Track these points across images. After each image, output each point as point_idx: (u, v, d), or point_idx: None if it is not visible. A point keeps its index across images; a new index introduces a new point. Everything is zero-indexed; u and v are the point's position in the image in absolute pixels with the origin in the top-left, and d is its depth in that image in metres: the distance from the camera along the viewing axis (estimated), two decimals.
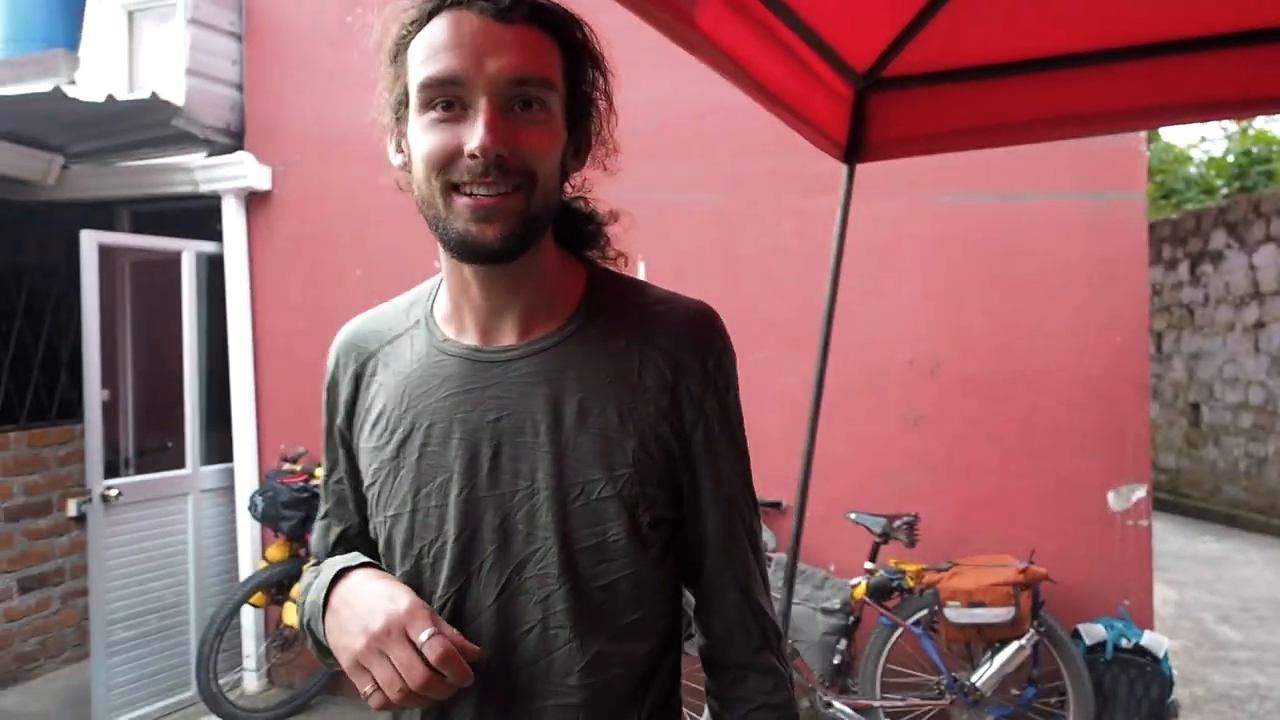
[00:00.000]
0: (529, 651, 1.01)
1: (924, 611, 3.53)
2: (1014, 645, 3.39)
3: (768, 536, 3.83)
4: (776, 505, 3.95)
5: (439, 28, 0.95)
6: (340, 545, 1.18)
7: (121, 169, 4.99)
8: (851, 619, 3.59)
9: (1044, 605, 3.44)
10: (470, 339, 1.05)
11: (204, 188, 4.80)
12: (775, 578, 3.63)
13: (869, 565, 3.63)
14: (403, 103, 0.99)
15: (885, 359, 3.93)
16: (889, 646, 3.58)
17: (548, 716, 1.02)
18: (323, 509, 1.20)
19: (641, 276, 4.37)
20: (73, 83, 4.48)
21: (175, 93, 4.51)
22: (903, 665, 3.64)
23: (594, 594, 1.02)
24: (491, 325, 1.05)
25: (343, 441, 1.14)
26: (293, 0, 4.86)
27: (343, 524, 1.18)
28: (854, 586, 3.60)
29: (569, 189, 1.09)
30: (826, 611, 3.59)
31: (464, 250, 0.96)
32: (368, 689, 0.94)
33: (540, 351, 1.03)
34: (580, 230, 1.13)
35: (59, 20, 5.97)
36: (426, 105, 0.95)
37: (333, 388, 1.14)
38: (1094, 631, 3.53)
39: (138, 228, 5.44)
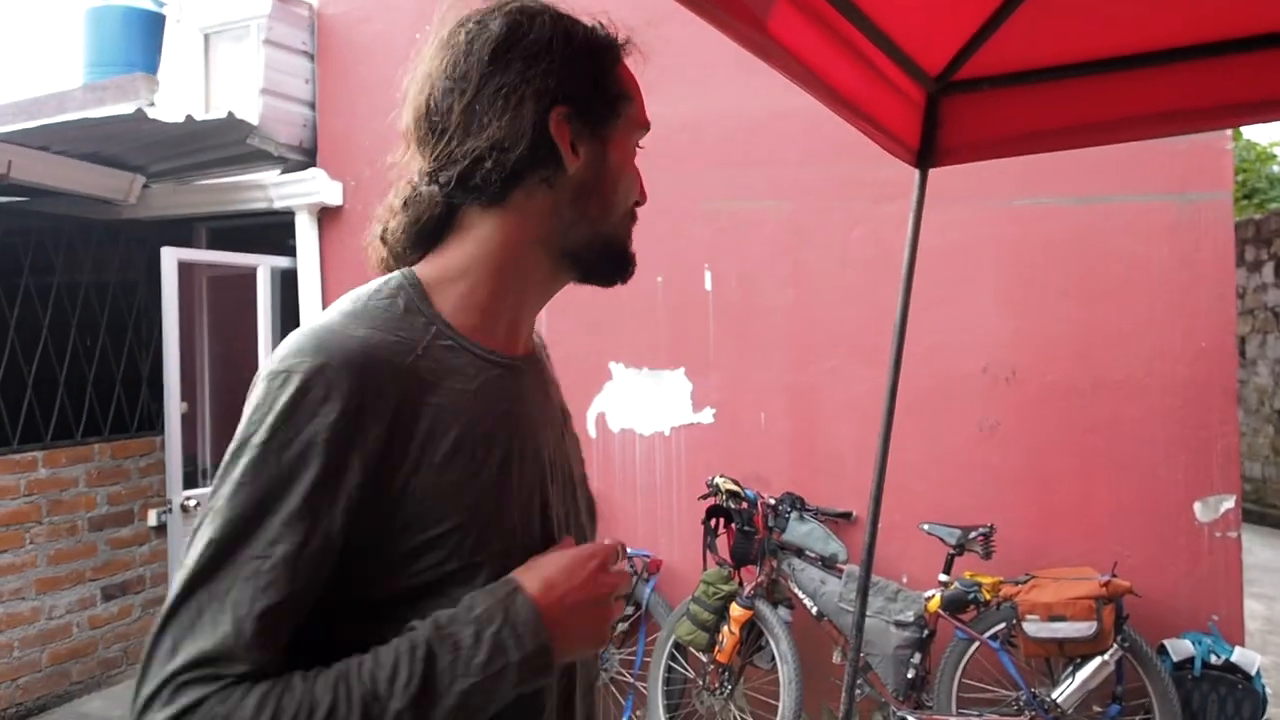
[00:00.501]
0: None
1: (1001, 625, 3.44)
2: (1096, 661, 3.28)
3: (838, 548, 3.78)
4: (847, 516, 3.90)
5: (632, 74, 1.11)
6: (268, 619, 0.82)
7: (199, 187, 5.13)
8: (926, 632, 3.52)
9: (1128, 620, 3.33)
10: (498, 347, 1.02)
11: (278, 204, 4.91)
12: (848, 590, 3.58)
13: (943, 577, 3.56)
14: (609, 109, 1.04)
15: (959, 366, 3.86)
16: (965, 661, 3.50)
17: (591, 695, 1.12)
18: (261, 582, 0.82)
19: (707, 287, 4.35)
20: (152, 105, 4.61)
21: (250, 112, 4.63)
22: (979, 680, 3.55)
23: None
24: (515, 336, 1.06)
25: (357, 496, 0.86)
26: (363, 20, 4.96)
27: (278, 597, 0.82)
28: (928, 599, 3.53)
29: None
30: (900, 624, 3.52)
31: (625, 270, 1.09)
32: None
33: (534, 359, 1.11)
34: None
35: (138, 45, 6.16)
36: (637, 141, 1.11)
37: (348, 427, 0.86)
38: (1181, 647, 3.40)
39: (214, 244, 5.59)
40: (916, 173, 2.63)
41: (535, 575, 0.92)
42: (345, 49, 4.97)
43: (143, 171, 5.09)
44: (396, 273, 1.00)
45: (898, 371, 2.70)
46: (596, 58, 1.03)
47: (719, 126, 4.21)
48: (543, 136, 0.97)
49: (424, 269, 1.01)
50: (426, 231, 1.01)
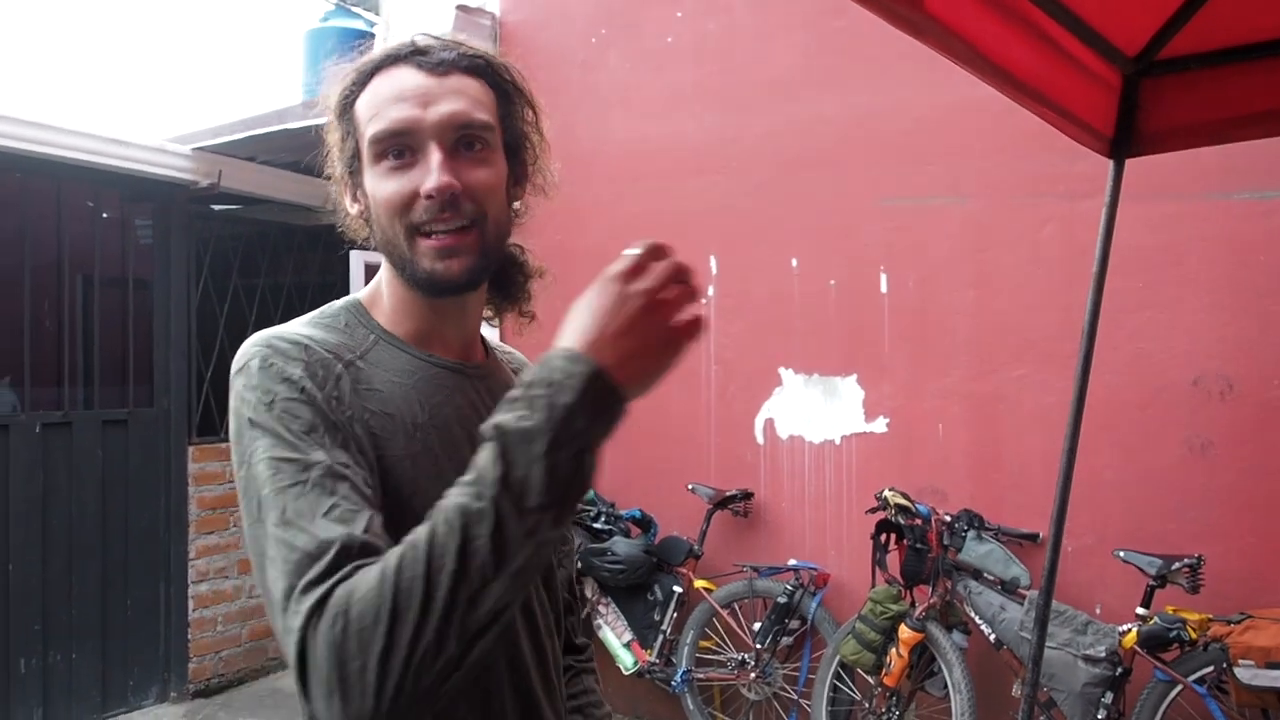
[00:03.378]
0: (549, 630, 1.14)
1: (1209, 669, 3.08)
2: None
3: (1020, 571, 3.50)
4: (1033, 538, 3.61)
5: (382, 85, 1.04)
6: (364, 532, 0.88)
7: None
8: (1120, 670, 3.20)
9: None
10: (441, 353, 1.10)
11: None
12: (1029, 617, 3.31)
13: (1141, 611, 3.23)
14: (355, 157, 1.06)
15: (1164, 377, 3.50)
16: (1165, 706, 3.15)
17: (552, 676, 1.14)
18: (339, 498, 0.89)
19: (883, 290, 4.13)
20: None
21: None
22: None
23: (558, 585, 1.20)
24: (459, 344, 1.12)
25: (351, 433, 0.96)
26: (542, 26, 5.05)
27: (371, 511, 0.90)
28: (1123, 634, 3.21)
29: (515, 218, 1.15)
30: (1090, 659, 3.22)
31: (432, 287, 1.04)
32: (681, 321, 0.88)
33: (494, 369, 1.17)
34: (507, 275, 1.19)
35: (350, 62, 6.56)
36: (380, 157, 1.03)
37: (321, 381, 0.96)
38: None
39: None
40: (1111, 164, 2.40)
41: (565, 330, 0.85)
42: (525, 55, 5.04)
43: None
44: (342, 299, 1.12)
45: (1085, 380, 2.47)
46: (342, 119, 1.07)
47: (896, 121, 4.01)
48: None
49: (364, 293, 1.13)
50: None
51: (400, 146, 1.01)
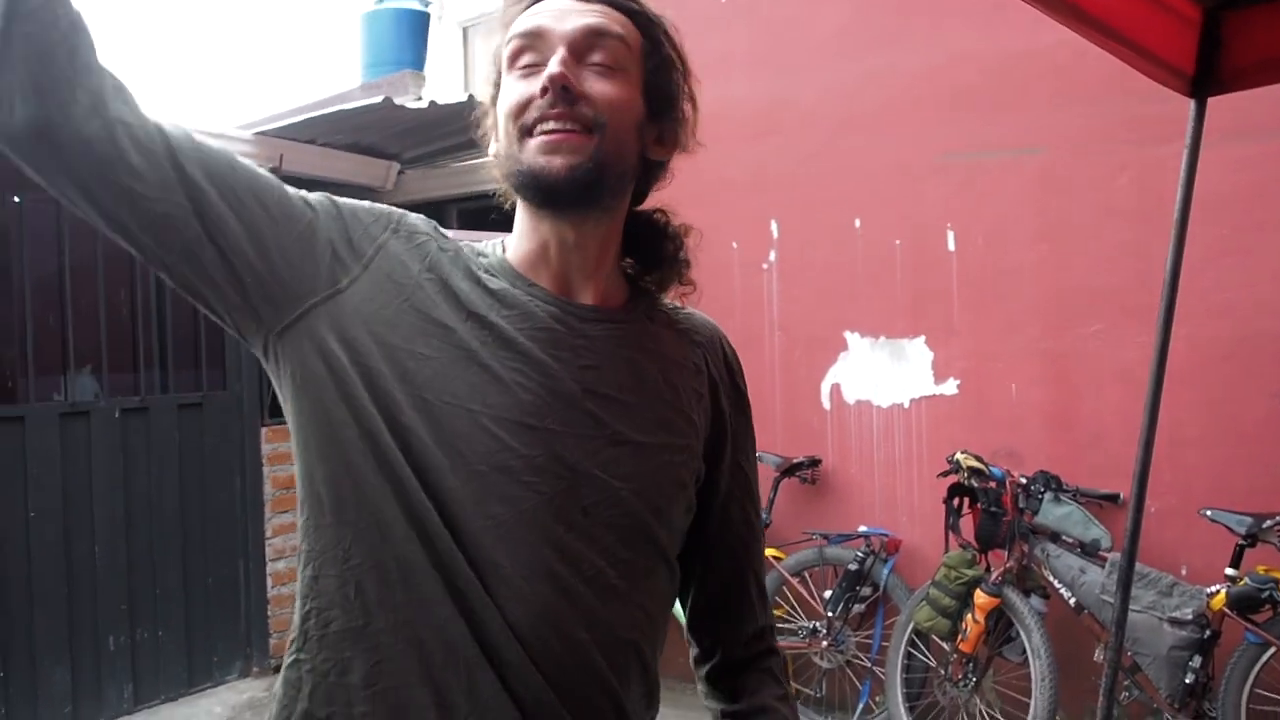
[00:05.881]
0: (587, 596, 0.95)
1: None
2: None
3: (1100, 533, 3.40)
4: (1113, 498, 3.50)
5: (533, 5, 0.99)
6: None
7: (449, 170, 5.40)
8: (1208, 633, 3.09)
9: None
10: (549, 287, 1.02)
11: None
12: (1110, 580, 3.21)
13: (1231, 571, 3.11)
14: (498, 77, 1.00)
15: (1249, 326, 3.35)
16: (1258, 669, 3.04)
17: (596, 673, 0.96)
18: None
19: (950, 248, 4.04)
20: (419, 99, 4.89)
21: None
22: (1275, 691, 3.08)
23: (651, 559, 1.01)
24: (569, 285, 1.02)
25: (328, 234, 0.97)
26: None
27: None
28: (1211, 595, 3.10)
29: (649, 162, 1.06)
30: (1176, 622, 3.11)
31: (533, 185, 0.95)
32: None
33: (620, 321, 1.04)
34: (654, 244, 1.09)
35: (408, 44, 6.58)
36: (511, 62, 0.97)
37: (376, 223, 1.00)
38: None
39: (465, 224, 5.87)
40: (1192, 104, 2.28)
41: None
42: None
43: (398, 159, 5.42)
44: None
45: (1168, 333, 2.36)
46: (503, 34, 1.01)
47: (955, 74, 3.88)
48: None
49: None
50: None
51: (529, 52, 0.96)
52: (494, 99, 1.01)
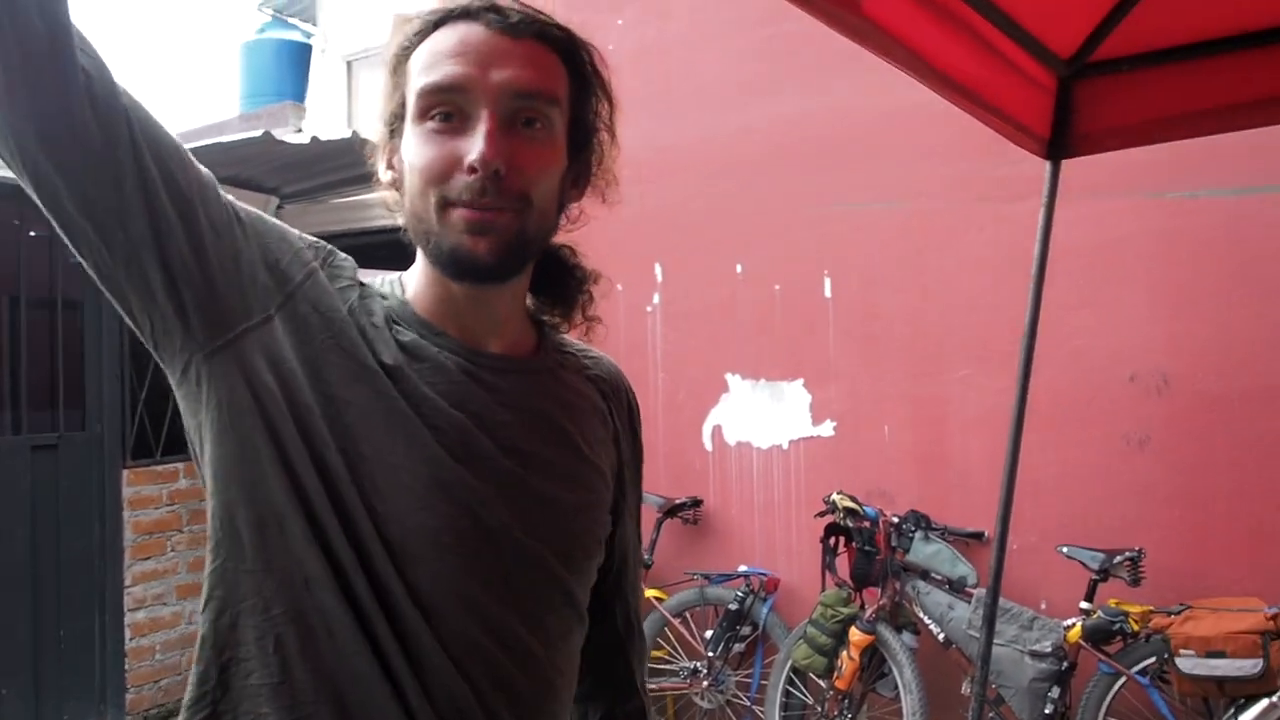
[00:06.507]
0: (509, 668, 0.93)
1: (1151, 660, 3.13)
2: (1263, 703, 2.95)
3: (967, 570, 3.53)
4: (978, 536, 3.65)
5: (444, 36, 0.91)
6: None
7: (329, 206, 5.28)
8: (1065, 664, 3.24)
9: None
10: (460, 338, 0.98)
11: (403, 220, 5.00)
12: (977, 615, 3.34)
13: (1085, 605, 3.27)
14: (398, 116, 0.93)
15: (1103, 375, 3.56)
16: (1110, 698, 3.20)
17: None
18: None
19: (827, 294, 4.14)
20: (299, 130, 4.78)
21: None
22: (1126, 719, 3.25)
23: (569, 620, 1.01)
24: (477, 335, 0.98)
25: (250, 249, 0.89)
26: None
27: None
28: (1068, 628, 3.26)
29: (565, 220, 1.03)
30: (1036, 655, 3.26)
31: (454, 265, 0.91)
32: None
33: (531, 371, 1.01)
34: (560, 280, 1.07)
35: (288, 75, 6.46)
36: (424, 114, 0.89)
37: (309, 249, 0.95)
38: None
39: None
40: (1048, 165, 2.44)
41: None
42: None
43: (276, 193, 5.29)
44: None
45: (1027, 379, 2.51)
46: (394, 73, 0.94)
47: (835, 126, 4.05)
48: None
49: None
50: None
51: (449, 106, 0.88)
52: (390, 136, 0.95)
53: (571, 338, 1.11)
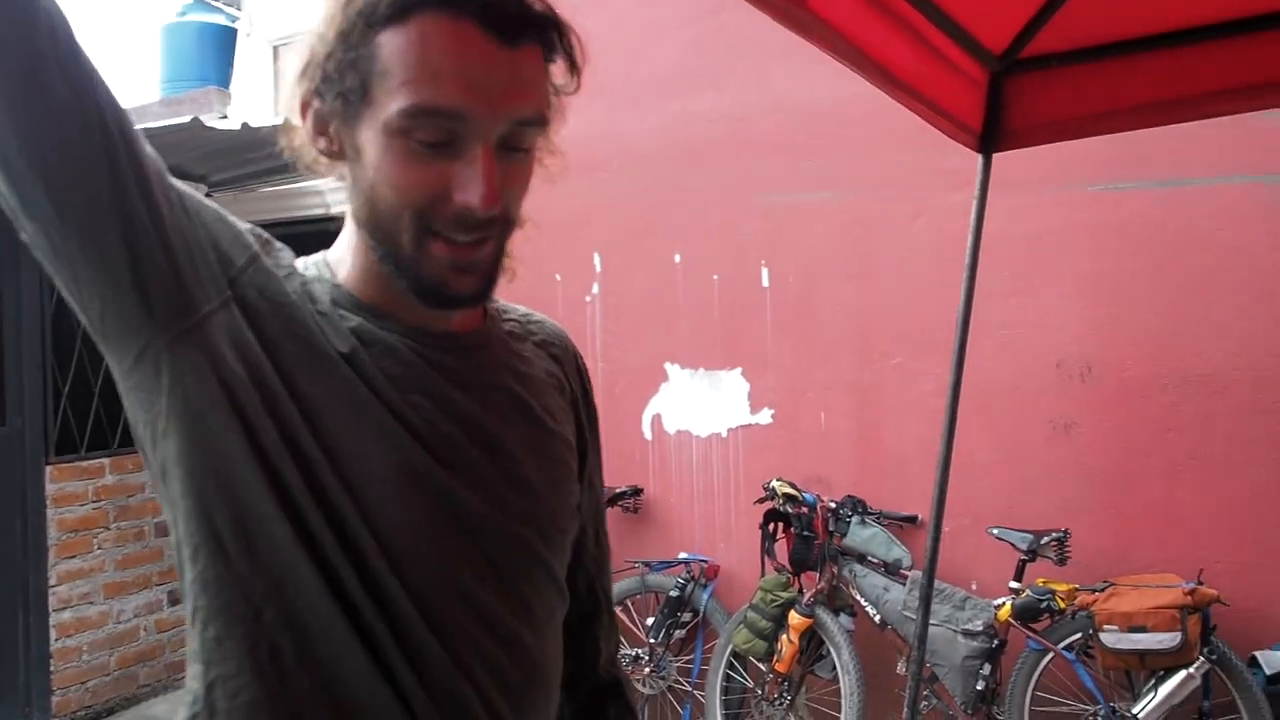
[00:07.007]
0: (503, 660, 0.92)
1: (1077, 635, 3.26)
2: (1181, 674, 3.08)
3: (901, 553, 3.62)
4: (912, 520, 3.74)
5: (435, 37, 0.80)
6: None
7: (258, 194, 5.18)
8: (996, 642, 3.35)
9: (1215, 630, 3.12)
10: (413, 322, 0.93)
11: (335, 209, 4.92)
12: (912, 597, 3.43)
13: (1014, 584, 3.38)
14: (357, 94, 0.82)
15: (1031, 362, 3.67)
16: (1038, 673, 3.32)
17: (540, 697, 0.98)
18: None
19: (764, 284, 4.18)
20: (224, 117, 4.66)
21: None
22: (1054, 693, 3.37)
23: (554, 599, 1.00)
24: (424, 319, 0.93)
25: (211, 240, 0.84)
26: None
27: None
28: (998, 607, 3.36)
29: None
30: (968, 634, 3.36)
31: (434, 298, 0.87)
32: None
33: (481, 346, 0.98)
34: None
35: (211, 60, 6.27)
36: (408, 132, 0.81)
37: (249, 232, 0.90)
38: (1274, 659, 3.18)
39: None
40: (980, 157, 2.50)
41: None
42: None
43: (204, 181, 5.15)
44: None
45: (960, 367, 2.58)
46: (349, 32, 0.82)
47: (773, 117, 4.09)
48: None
49: (330, 253, 0.98)
50: None
51: (445, 132, 0.81)
52: (332, 101, 0.84)
53: (508, 302, 1.08)
